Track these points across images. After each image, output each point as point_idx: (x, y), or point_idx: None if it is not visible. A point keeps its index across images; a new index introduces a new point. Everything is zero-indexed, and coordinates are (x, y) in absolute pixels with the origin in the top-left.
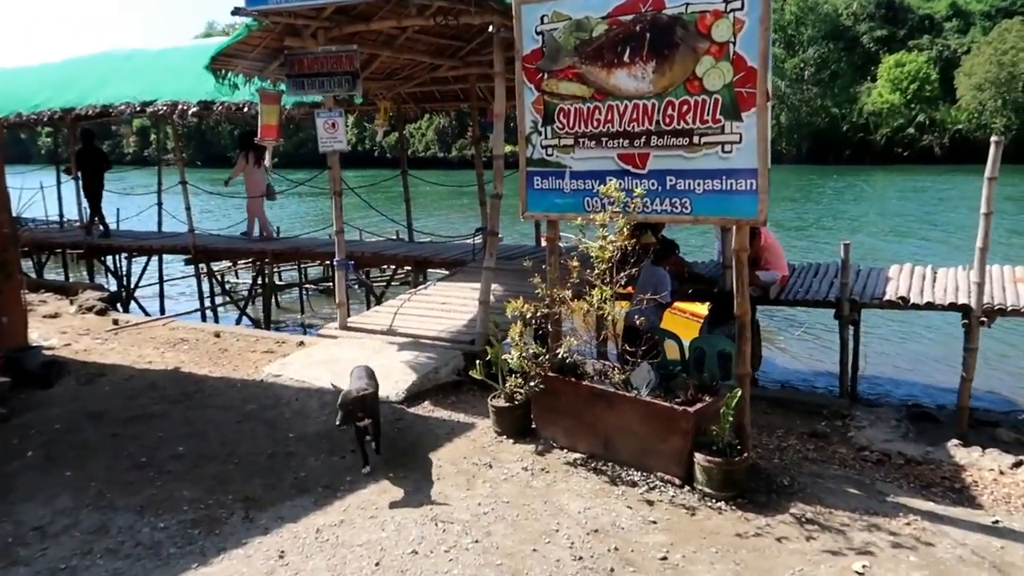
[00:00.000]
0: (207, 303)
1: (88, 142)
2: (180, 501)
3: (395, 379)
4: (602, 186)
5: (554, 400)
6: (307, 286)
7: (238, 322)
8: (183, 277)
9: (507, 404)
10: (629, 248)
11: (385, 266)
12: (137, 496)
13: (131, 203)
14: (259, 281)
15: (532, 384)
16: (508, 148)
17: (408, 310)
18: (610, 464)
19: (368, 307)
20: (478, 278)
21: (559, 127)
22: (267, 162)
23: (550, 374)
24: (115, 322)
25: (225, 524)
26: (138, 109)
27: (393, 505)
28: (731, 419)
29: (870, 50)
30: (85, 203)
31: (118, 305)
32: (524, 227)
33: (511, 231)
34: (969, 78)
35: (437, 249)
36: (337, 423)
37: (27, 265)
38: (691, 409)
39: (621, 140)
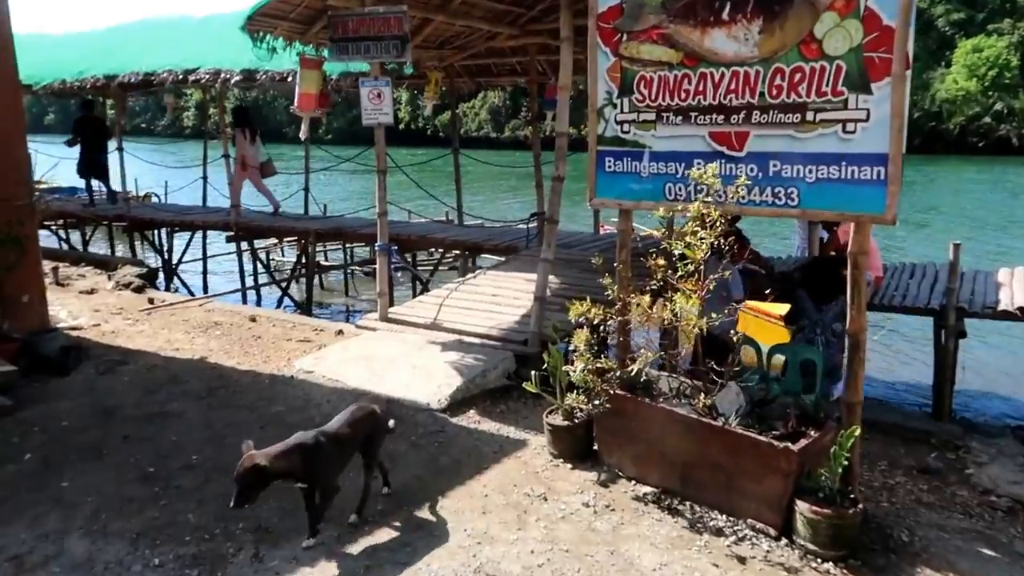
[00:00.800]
0: (250, 282)
1: (88, 110)
2: (183, 528)
3: (437, 383)
4: (689, 170)
5: (622, 422)
6: (352, 267)
7: (279, 303)
8: (227, 254)
9: (566, 423)
10: (725, 246)
11: (432, 250)
12: (136, 519)
13: (181, 176)
14: (302, 261)
15: (597, 403)
16: (571, 129)
17: (455, 302)
18: (688, 503)
19: (414, 293)
20: (532, 268)
21: (638, 99)
22: (303, 134)
23: (618, 392)
24: (150, 301)
25: (230, 563)
26: (180, 77)
27: (431, 544)
28: (845, 462)
29: (945, 34)
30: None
31: (159, 281)
32: (582, 212)
33: (566, 216)
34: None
35: (489, 234)
36: (231, 504)
37: (75, 238)
38: (795, 447)
39: (715, 116)
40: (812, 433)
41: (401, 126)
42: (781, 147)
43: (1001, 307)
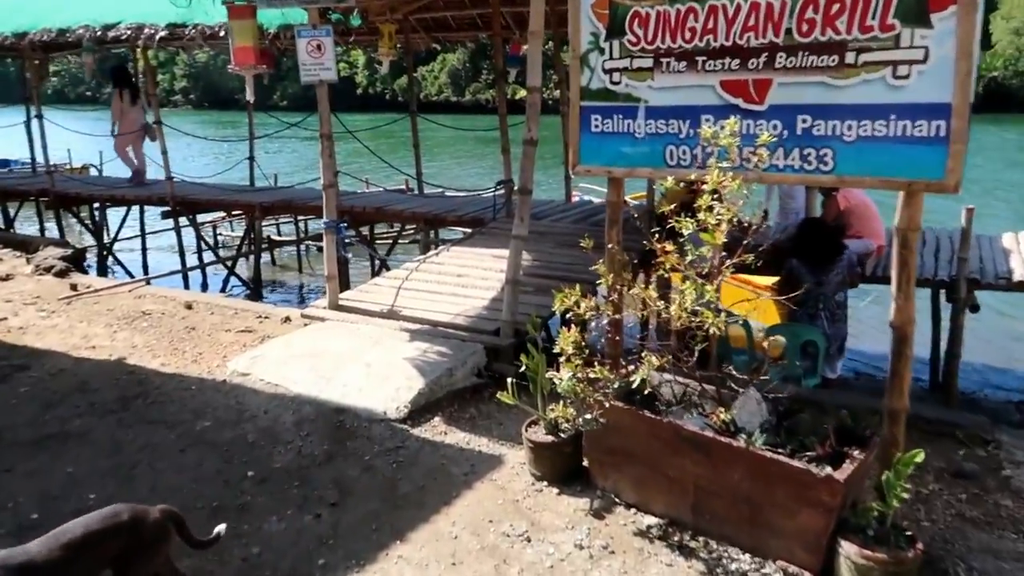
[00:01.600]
0: (194, 261)
1: None
2: None
3: (396, 385)
4: (695, 129)
5: (619, 439)
6: (306, 242)
7: (225, 284)
8: (169, 230)
9: (549, 438)
10: (748, 225)
11: (391, 223)
12: None
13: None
14: (250, 236)
15: (590, 417)
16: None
17: (415, 284)
18: (702, 539)
19: (372, 270)
20: (500, 243)
21: (631, 41)
22: (249, 95)
23: (615, 403)
24: (73, 287)
25: None
26: (98, 34)
27: None
28: (904, 493)
29: None
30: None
31: (90, 264)
32: (549, 178)
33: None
34: (1007, 22)
35: (452, 205)
36: None
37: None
38: (840, 476)
39: (728, 60)
40: (855, 454)
41: (359, 91)
42: (812, 98)
43: (1017, 277)
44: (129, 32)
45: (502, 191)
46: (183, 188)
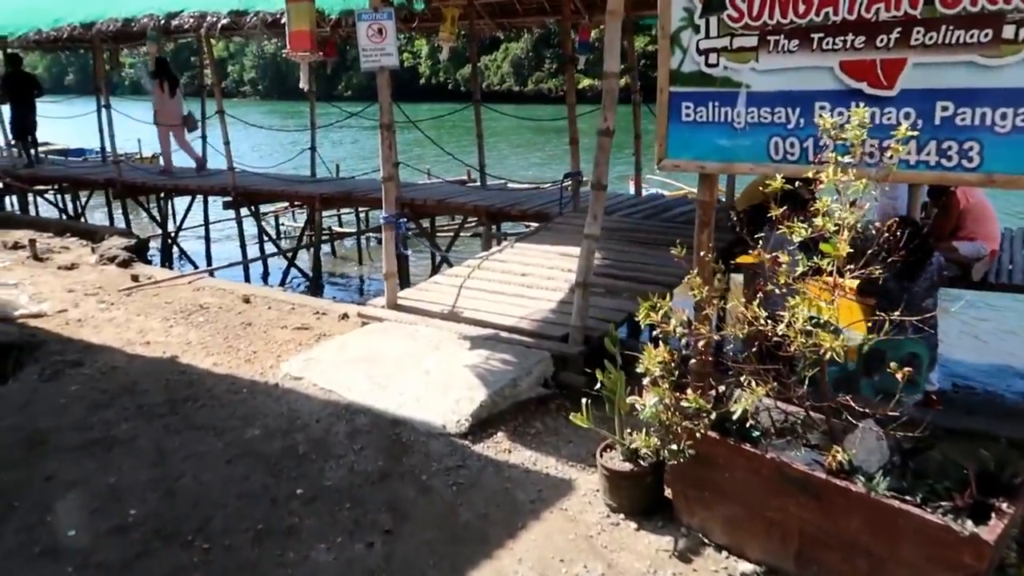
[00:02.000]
0: (256, 251)
1: (16, 66)
2: None
3: (456, 396)
4: (806, 118)
5: (711, 473)
6: (367, 234)
7: (285, 275)
8: (233, 219)
9: (628, 467)
10: (884, 233)
11: (452, 216)
12: None
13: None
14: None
15: (678, 448)
16: (590, 80)
17: (477, 283)
18: None
19: (432, 265)
20: (567, 240)
21: (732, 17)
22: (304, 83)
23: (709, 434)
24: (134, 278)
25: None
26: (162, 23)
27: None
28: None
29: None
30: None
31: (153, 254)
32: (613, 168)
33: (587, 170)
34: None
35: (514, 198)
36: None
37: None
38: (988, 537)
39: (850, 37)
40: (1003, 506)
41: (422, 81)
42: (956, 81)
43: None
44: (192, 20)
45: (569, 184)
46: (244, 179)
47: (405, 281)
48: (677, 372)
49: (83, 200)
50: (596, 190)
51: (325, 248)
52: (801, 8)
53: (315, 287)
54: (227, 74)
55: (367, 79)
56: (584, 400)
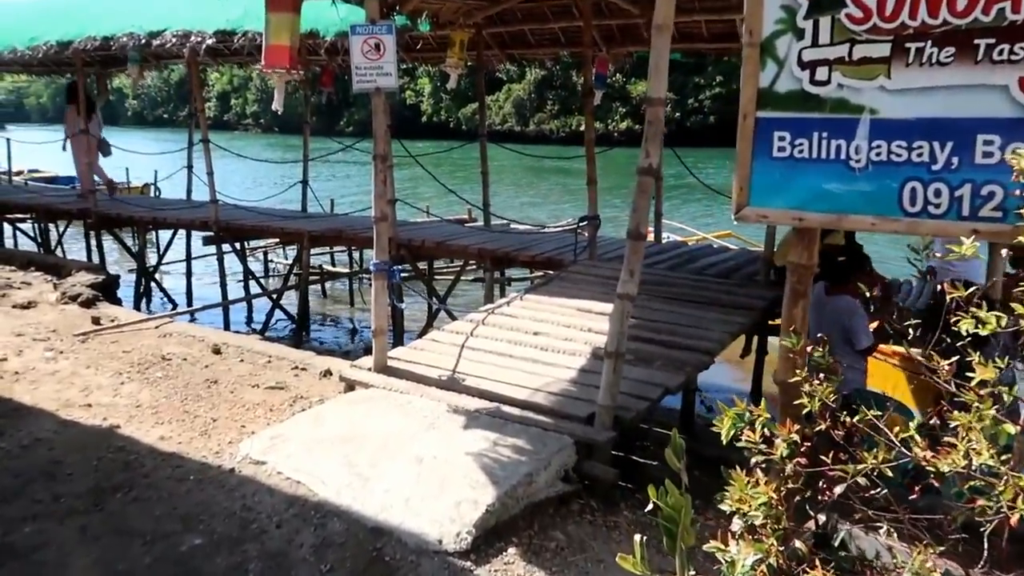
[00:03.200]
0: (239, 290)
1: None
2: None
3: (455, 497)
4: (964, 155)
5: None
6: (360, 275)
7: (269, 317)
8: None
9: None
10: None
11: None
12: None
13: (169, 165)
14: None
15: None
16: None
17: (482, 342)
18: None
19: (429, 315)
20: (585, 291)
21: (854, 17)
22: (277, 105)
23: None
24: (95, 320)
25: None
26: (143, 41)
27: None
28: None
29: None
30: None
31: (125, 292)
32: (610, 210)
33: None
34: None
35: (522, 241)
36: None
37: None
38: None
39: None
40: None
41: (423, 119)
42: None
43: None
44: (175, 40)
45: (584, 228)
46: (229, 213)
47: (399, 339)
48: (786, 515)
49: (61, 230)
50: (633, 240)
51: (316, 287)
52: (961, 4)
53: (300, 332)
54: (230, 107)
55: (369, 115)
56: (638, 539)
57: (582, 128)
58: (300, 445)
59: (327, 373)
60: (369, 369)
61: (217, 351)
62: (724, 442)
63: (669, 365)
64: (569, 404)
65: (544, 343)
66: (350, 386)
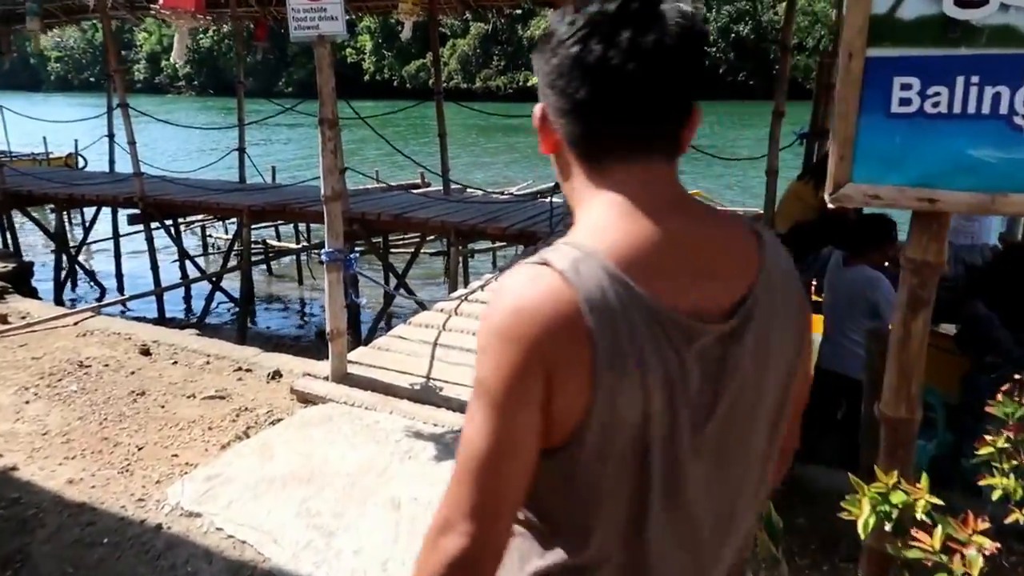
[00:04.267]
0: (172, 271)
1: None
2: None
3: None
4: None
5: None
6: (309, 249)
7: (209, 301)
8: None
9: None
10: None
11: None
12: None
13: (86, 134)
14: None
15: None
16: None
17: (456, 339)
18: None
19: (385, 302)
20: None
21: None
22: (177, 57)
23: None
24: (2, 319)
25: None
26: None
27: None
28: None
29: None
30: None
31: (44, 279)
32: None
33: (524, 171)
34: None
35: (488, 212)
36: None
37: None
38: None
39: None
40: None
41: (366, 77)
42: None
43: None
44: None
45: (562, 197)
46: (156, 187)
47: (357, 340)
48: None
49: None
50: None
51: (262, 265)
52: None
53: (245, 316)
54: (161, 69)
55: (310, 76)
56: None
57: (531, 84)
58: (244, 488)
59: (276, 375)
60: (326, 378)
61: (146, 352)
62: (863, 536)
63: None
64: None
65: None
66: (306, 401)
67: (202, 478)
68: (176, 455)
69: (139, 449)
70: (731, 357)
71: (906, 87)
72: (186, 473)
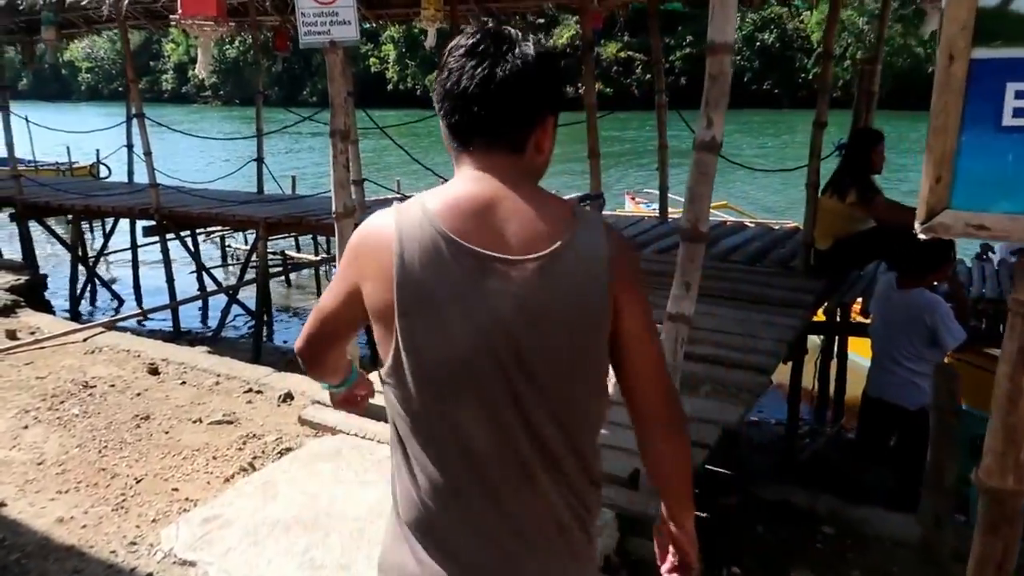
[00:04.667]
0: (188, 283)
1: None
2: None
3: None
4: None
5: None
6: (327, 261)
7: (225, 314)
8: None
9: None
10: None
11: None
12: None
13: (104, 145)
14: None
15: None
16: None
17: None
18: None
19: None
20: None
21: None
22: (201, 69)
23: None
24: (10, 335)
25: None
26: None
27: None
28: None
29: None
30: None
31: (56, 290)
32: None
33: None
34: None
35: None
36: None
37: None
38: None
39: None
40: None
41: (389, 87)
42: None
43: None
44: None
45: (588, 207)
46: (172, 198)
47: (373, 363)
48: None
49: None
50: (690, 242)
51: (280, 277)
52: None
53: (260, 330)
54: (188, 79)
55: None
56: None
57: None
58: (244, 533)
59: (287, 398)
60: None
61: (154, 371)
62: None
63: (720, 391)
64: (609, 459)
65: None
66: (313, 431)
67: (199, 520)
68: (176, 488)
69: (137, 482)
70: (511, 287)
71: (1022, 95)
72: (185, 510)
